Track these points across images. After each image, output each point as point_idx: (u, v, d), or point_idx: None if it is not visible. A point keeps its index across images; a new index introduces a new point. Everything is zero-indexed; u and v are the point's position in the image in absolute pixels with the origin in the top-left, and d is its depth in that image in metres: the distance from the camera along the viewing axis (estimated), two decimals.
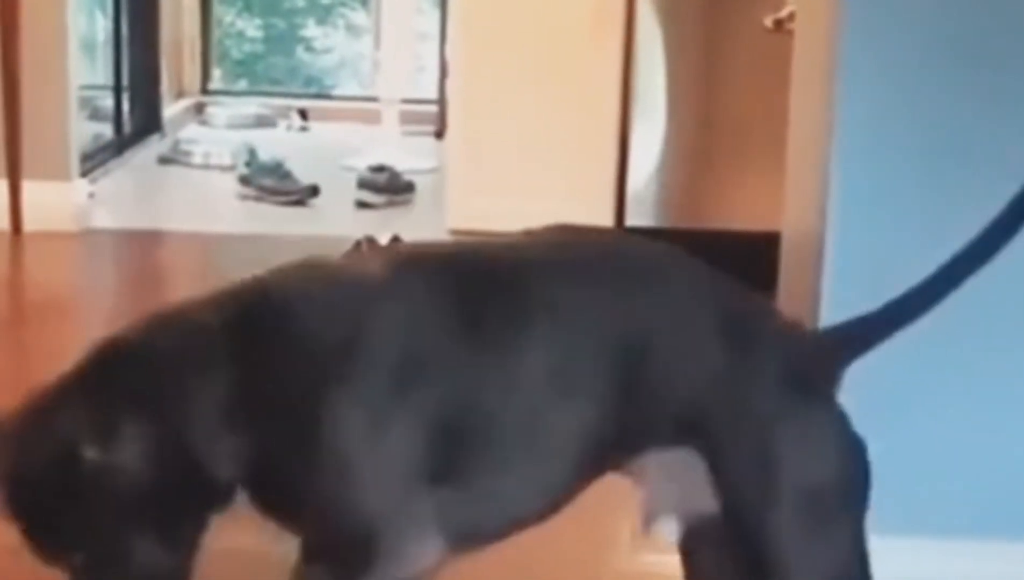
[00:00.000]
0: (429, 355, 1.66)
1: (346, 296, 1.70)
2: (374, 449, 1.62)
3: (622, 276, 1.76)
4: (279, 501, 1.68)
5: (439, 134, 7.86)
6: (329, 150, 7.71)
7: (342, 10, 10.54)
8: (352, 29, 10.48)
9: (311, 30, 10.57)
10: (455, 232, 5.28)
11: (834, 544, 1.78)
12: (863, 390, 2.47)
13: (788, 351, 1.79)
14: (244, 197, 6.48)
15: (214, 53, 9.59)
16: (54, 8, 5.52)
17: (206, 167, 7.18)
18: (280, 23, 10.60)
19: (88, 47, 7.05)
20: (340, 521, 1.64)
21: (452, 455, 1.65)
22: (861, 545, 1.78)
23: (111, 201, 6.16)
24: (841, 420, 1.78)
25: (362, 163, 6.86)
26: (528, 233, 1.83)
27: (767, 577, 1.74)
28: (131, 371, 1.66)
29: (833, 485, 1.76)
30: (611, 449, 1.75)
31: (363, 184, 6.44)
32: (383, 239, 4.95)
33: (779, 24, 4.76)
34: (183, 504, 1.65)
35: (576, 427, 1.71)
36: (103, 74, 7.39)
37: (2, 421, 1.68)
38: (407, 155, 7.26)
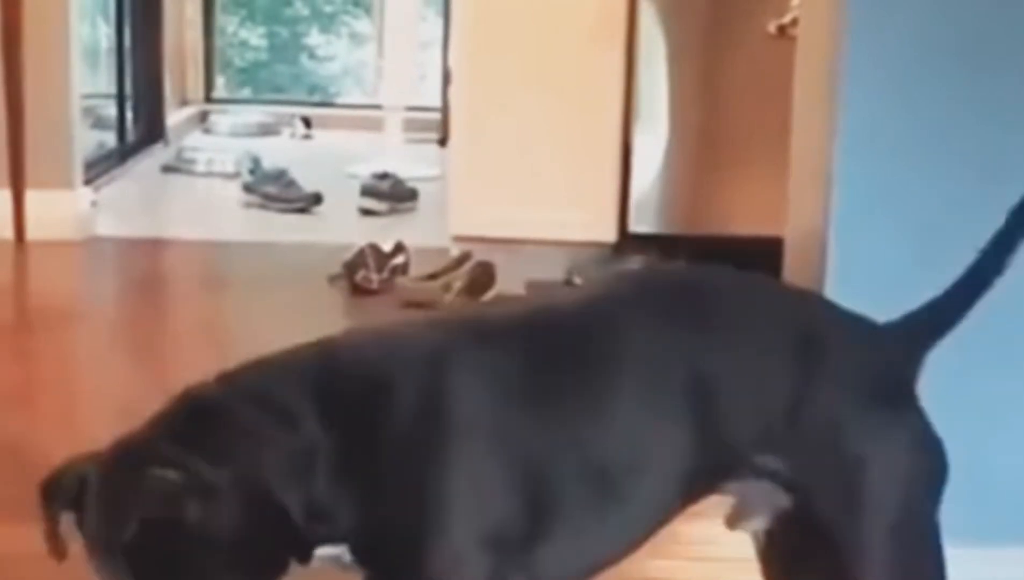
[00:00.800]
0: (516, 416, 1.69)
1: (424, 360, 1.72)
2: (474, 514, 1.66)
3: (691, 315, 1.79)
4: (378, 557, 1.70)
5: (442, 141, 7.87)
6: (332, 158, 7.71)
7: (345, 18, 10.56)
8: (355, 37, 10.50)
9: (314, 38, 10.59)
10: (458, 239, 5.29)
11: (912, 545, 1.80)
12: None
13: (858, 364, 1.80)
14: (248, 205, 6.48)
15: (217, 61, 9.60)
16: (57, 17, 5.52)
17: (209, 175, 7.18)
18: (283, 31, 10.61)
19: (91, 56, 7.06)
20: None
21: (542, 512, 1.69)
22: (938, 544, 1.80)
23: (114, 209, 6.16)
24: (917, 421, 1.80)
25: (365, 170, 6.87)
26: (598, 282, 1.88)
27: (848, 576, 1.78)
28: (223, 426, 1.66)
29: (910, 493, 1.79)
30: (693, 487, 1.78)
31: (366, 191, 6.45)
32: (386, 246, 4.96)
33: (782, 30, 4.77)
34: (269, 557, 1.68)
35: (658, 473, 1.74)
36: (106, 83, 7.40)
37: (88, 470, 1.68)
38: (410, 162, 7.27)
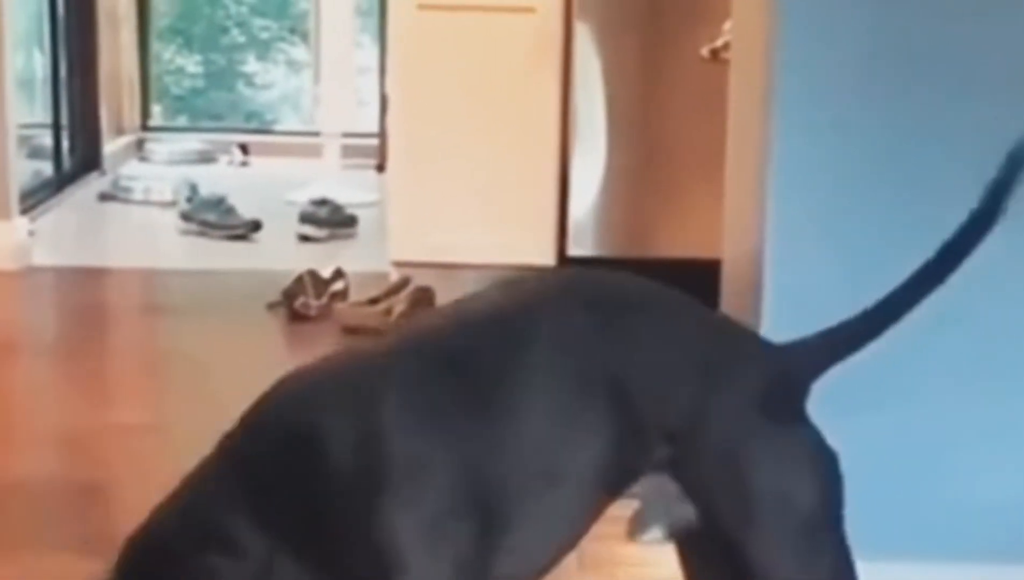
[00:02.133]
0: (447, 438, 1.69)
1: (344, 405, 1.70)
2: (433, 547, 1.66)
3: (604, 318, 1.80)
4: None
5: (380, 167, 7.86)
6: (271, 185, 7.70)
7: (282, 45, 10.54)
8: (292, 64, 10.48)
9: (251, 65, 10.56)
10: (398, 264, 5.29)
11: (816, 556, 1.82)
12: (836, 411, 2.48)
13: (756, 376, 1.83)
14: (186, 232, 6.47)
15: (153, 89, 9.56)
16: None
17: (147, 203, 7.15)
18: (220, 59, 10.58)
19: (26, 85, 7.03)
20: None
21: (490, 525, 1.70)
22: (844, 555, 1.82)
23: (52, 239, 6.14)
24: (811, 436, 1.83)
25: (304, 197, 6.86)
26: (510, 285, 1.88)
27: None
28: (176, 574, 1.66)
29: (805, 505, 1.80)
30: (614, 481, 1.80)
31: (305, 218, 6.45)
32: (326, 272, 4.96)
33: (715, 53, 4.80)
34: None
35: (584, 468, 1.76)
36: (42, 112, 7.37)
37: None
38: (349, 188, 7.26)
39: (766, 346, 1.90)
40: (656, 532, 1.89)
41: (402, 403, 1.69)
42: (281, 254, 6.02)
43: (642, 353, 1.79)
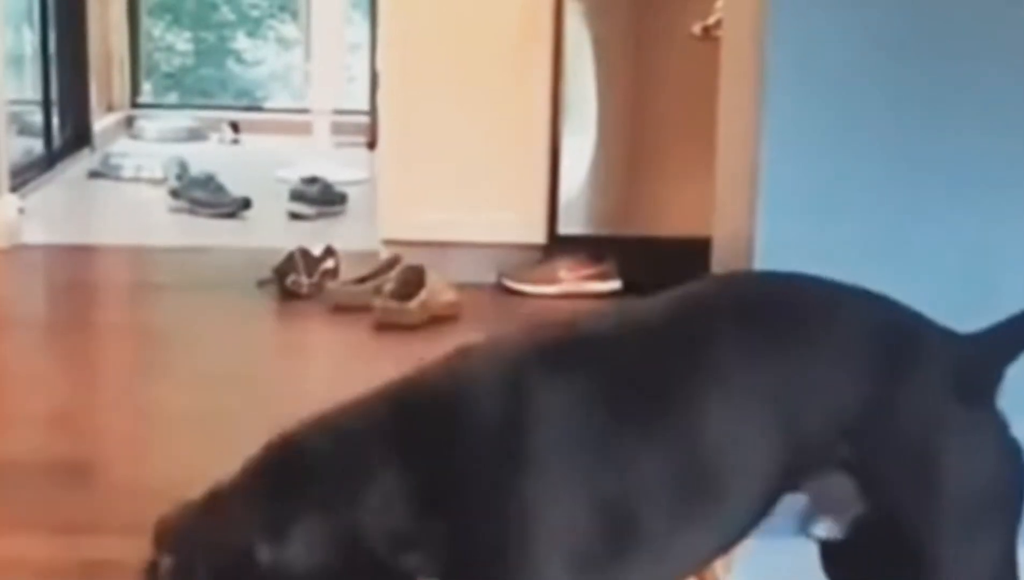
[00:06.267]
0: (597, 436, 1.69)
1: (504, 380, 1.72)
2: (557, 531, 1.67)
3: (772, 323, 1.80)
4: None
5: (371, 145, 7.85)
6: (261, 162, 7.69)
7: (272, 22, 10.52)
8: (282, 41, 10.46)
9: (241, 42, 10.54)
10: (388, 242, 5.28)
11: (988, 548, 1.81)
12: None
13: (942, 364, 1.81)
14: (176, 210, 6.46)
15: (143, 66, 9.55)
16: None
17: (137, 181, 7.15)
18: (210, 36, 10.57)
19: (16, 62, 7.01)
20: None
21: (626, 529, 1.70)
22: (1013, 550, 1.81)
23: (42, 216, 6.13)
24: (998, 426, 1.81)
25: (294, 175, 6.86)
26: (677, 293, 1.87)
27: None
28: (308, 469, 1.69)
29: (989, 492, 1.79)
30: (775, 492, 1.79)
31: (295, 196, 6.44)
32: (316, 250, 4.95)
33: (707, 31, 4.79)
34: None
35: (742, 486, 1.75)
36: (32, 89, 7.35)
37: (178, 516, 1.72)
38: (339, 166, 7.26)
39: (948, 334, 1.86)
40: (831, 526, 1.86)
41: (554, 399, 1.70)
42: (271, 232, 6.02)
43: (813, 354, 1.78)
